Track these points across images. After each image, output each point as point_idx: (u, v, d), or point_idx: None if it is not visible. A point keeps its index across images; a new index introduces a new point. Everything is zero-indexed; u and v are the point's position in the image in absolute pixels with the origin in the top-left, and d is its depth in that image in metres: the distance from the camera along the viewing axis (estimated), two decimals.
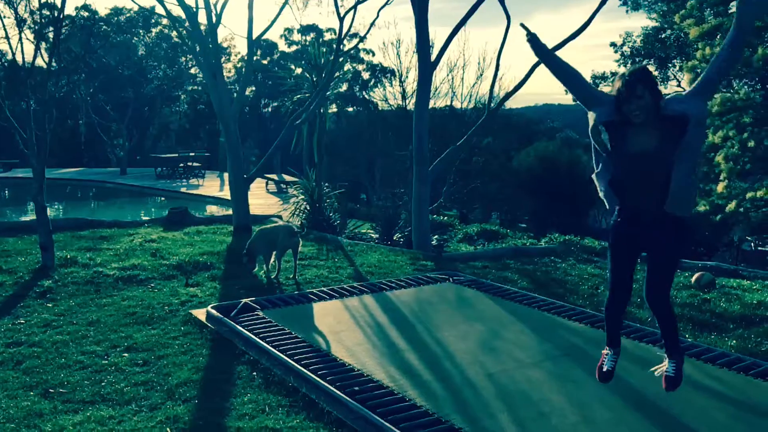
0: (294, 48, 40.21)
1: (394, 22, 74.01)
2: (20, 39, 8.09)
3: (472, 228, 14.94)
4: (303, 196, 12.89)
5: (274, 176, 22.82)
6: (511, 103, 55.87)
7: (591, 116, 3.71)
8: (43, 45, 8.68)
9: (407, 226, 11.94)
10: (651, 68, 30.51)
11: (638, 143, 3.52)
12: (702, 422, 4.05)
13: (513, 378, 4.75)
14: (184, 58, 35.88)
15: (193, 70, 36.36)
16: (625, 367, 4.97)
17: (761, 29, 15.27)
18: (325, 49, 15.07)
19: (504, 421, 4.08)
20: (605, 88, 31.54)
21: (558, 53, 11.53)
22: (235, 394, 4.51)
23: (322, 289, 7.17)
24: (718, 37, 16.01)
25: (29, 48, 10.82)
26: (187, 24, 11.05)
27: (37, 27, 8.48)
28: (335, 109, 23.28)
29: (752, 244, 26.67)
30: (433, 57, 11.10)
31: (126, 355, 5.23)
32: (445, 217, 18.66)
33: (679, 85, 30.55)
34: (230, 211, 12.02)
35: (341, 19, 11.49)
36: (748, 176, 16.36)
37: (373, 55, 37.37)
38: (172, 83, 36.63)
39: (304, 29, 39.34)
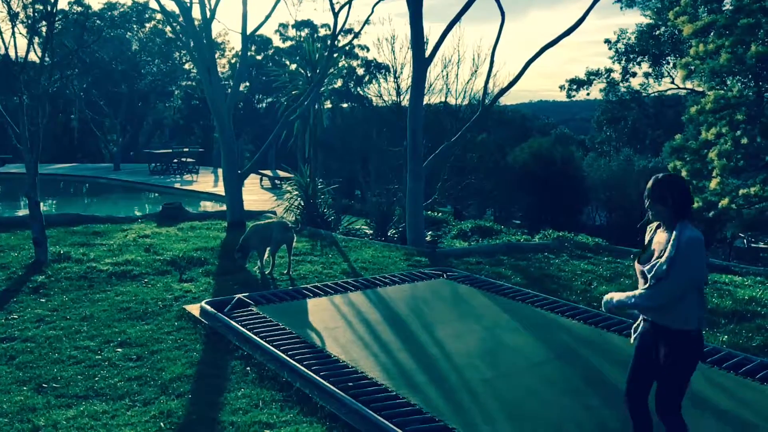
0: (289, 43, 40.10)
1: (389, 18, 74.16)
2: (13, 34, 8.06)
3: (466, 224, 14.95)
4: (297, 192, 12.89)
5: (269, 172, 22.78)
6: (506, 100, 55.91)
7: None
8: (36, 40, 8.65)
9: (401, 222, 11.95)
10: (646, 65, 30.45)
11: (646, 259, 3.49)
12: (692, 421, 4.08)
13: (504, 375, 4.78)
14: (178, 54, 35.75)
15: (187, 66, 36.23)
16: (618, 368, 5.00)
17: (754, 26, 15.31)
18: (319, 45, 15.06)
19: (498, 421, 4.10)
20: (599, 85, 31.22)
21: (552, 49, 11.54)
22: (228, 389, 4.51)
23: (316, 284, 7.18)
24: (712, 33, 16.05)
25: (22, 43, 10.80)
26: (181, 19, 11.02)
27: (30, 21, 8.45)
28: (330, 105, 23.25)
29: (745, 240, 26.80)
30: (428, 53, 11.10)
31: (119, 350, 5.23)
32: (440, 213, 18.68)
33: (672, 82, 30.66)
34: (224, 207, 12.00)
35: (336, 15, 11.49)
36: (741, 173, 16.40)
37: (368, 51, 37.35)
38: (166, 78, 36.50)
39: (299, 25, 39.27)
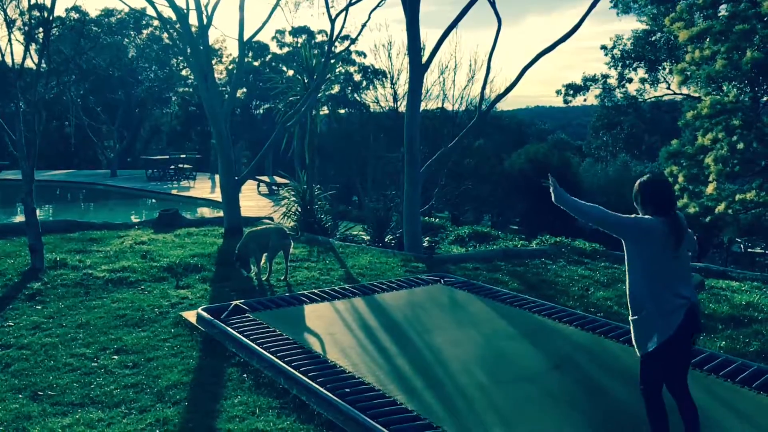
0: (286, 50, 40.16)
1: (386, 24, 74.29)
2: (9, 40, 8.06)
3: (463, 230, 14.94)
4: (294, 198, 12.87)
5: (266, 178, 22.76)
6: (503, 105, 56.01)
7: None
8: (33, 46, 8.64)
9: (399, 227, 11.94)
10: (642, 71, 30.60)
11: None
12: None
13: (502, 383, 4.76)
14: (175, 60, 35.78)
15: (184, 72, 36.25)
16: (614, 374, 4.99)
17: (749, 32, 15.36)
18: (316, 51, 15.06)
19: (495, 424, 4.08)
20: (595, 91, 31.36)
21: (549, 55, 11.53)
22: (225, 396, 4.50)
23: (314, 291, 7.16)
24: (708, 39, 16.10)
25: (19, 49, 10.77)
26: (178, 26, 11.03)
27: (26, 28, 8.45)
28: (327, 111, 23.22)
29: (741, 245, 26.84)
30: (425, 59, 11.12)
31: (115, 357, 5.21)
32: (437, 219, 18.67)
33: (668, 88, 30.76)
34: (221, 213, 11.98)
35: (332, 21, 11.49)
36: (737, 178, 16.44)
37: (365, 57, 37.40)
38: (163, 85, 36.51)
39: (296, 31, 39.33)
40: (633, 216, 3.70)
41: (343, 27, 12.19)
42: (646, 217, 3.66)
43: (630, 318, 3.64)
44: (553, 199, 4.00)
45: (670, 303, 3.52)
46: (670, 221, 3.58)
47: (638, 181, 3.80)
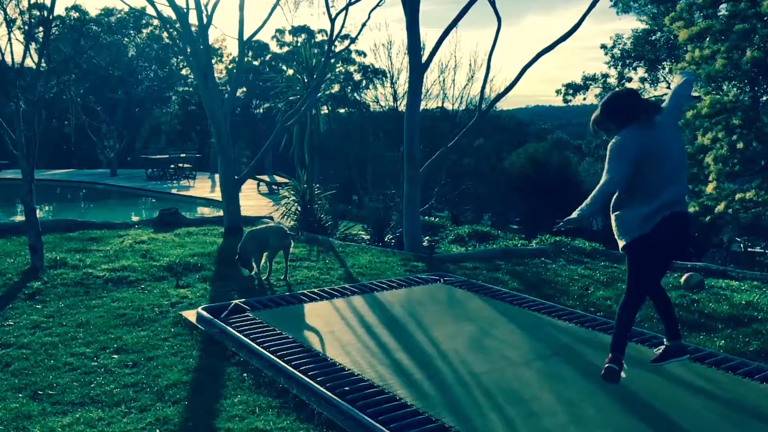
0: (285, 49, 40.14)
1: (386, 23, 74.26)
2: (9, 39, 8.05)
3: (463, 229, 14.96)
4: (294, 198, 12.88)
5: (266, 177, 22.77)
6: (503, 105, 56.09)
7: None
8: (33, 45, 8.65)
9: (398, 227, 11.94)
10: (641, 70, 30.55)
11: None
12: (691, 420, 4.08)
13: (503, 377, 4.77)
14: (175, 59, 35.81)
15: (184, 71, 36.27)
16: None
17: (749, 32, 15.38)
18: (316, 51, 15.07)
19: (494, 420, 4.09)
20: (595, 90, 31.44)
21: (548, 55, 11.56)
22: (225, 396, 4.50)
23: (313, 290, 7.17)
24: (707, 39, 16.10)
25: (18, 48, 10.78)
26: (177, 25, 11.03)
27: (26, 27, 8.44)
28: (327, 111, 23.23)
29: (741, 245, 26.85)
30: (424, 58, 11.11)
31: (115, 356, 5.21)
32: (437, 219, 18.69)
33: (668, 87, 30.73)
34: (221, 213, 11.99)
35: (332, 21, 11.49)
36: (737, 177, 16.46)
37: (365, 56, 37.38)
38: (163, 84, 36.55)
39: (296, 30, 39.34)
40: (614, 161, 3.84)
41: (342, 26, 12.20)
42: (619, 139, 3.85)
43: (611, 214, 4.02)
44: (581, 222, 4.08)
45: (657, 202, 3.82)
46: (644, 121, 3.80)
47: (594, 116, 4.04)
